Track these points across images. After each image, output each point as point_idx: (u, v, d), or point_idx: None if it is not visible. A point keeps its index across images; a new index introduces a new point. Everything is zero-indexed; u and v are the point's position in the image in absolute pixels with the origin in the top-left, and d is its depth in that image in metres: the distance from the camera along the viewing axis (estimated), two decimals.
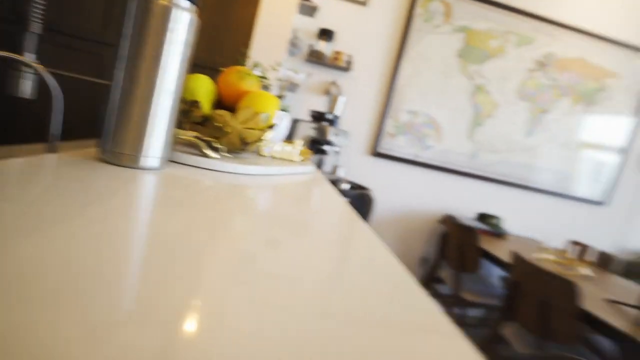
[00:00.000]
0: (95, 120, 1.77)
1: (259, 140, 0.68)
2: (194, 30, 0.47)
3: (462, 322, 2.72)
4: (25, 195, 0.29)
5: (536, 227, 2.94)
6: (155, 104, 0.45)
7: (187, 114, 0.64)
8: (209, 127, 0.63)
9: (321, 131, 2.00)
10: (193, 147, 0.62)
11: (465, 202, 2.78)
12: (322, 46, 2.37)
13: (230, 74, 0.67)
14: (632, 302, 1.60)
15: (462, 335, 0.24)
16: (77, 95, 1.74)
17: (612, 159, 2.90)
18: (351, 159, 2.55)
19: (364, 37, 2.45)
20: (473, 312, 2.86)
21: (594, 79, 2.70)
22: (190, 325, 0.18)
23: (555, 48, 2.61)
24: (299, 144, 0.83)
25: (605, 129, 2.84)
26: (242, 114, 0.62)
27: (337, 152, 2.20)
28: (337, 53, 2.37)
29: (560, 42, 2.61)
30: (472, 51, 2.51)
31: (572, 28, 2.60)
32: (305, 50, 2.38)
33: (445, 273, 2.38)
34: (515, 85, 2.61)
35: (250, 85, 0.67)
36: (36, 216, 0.25)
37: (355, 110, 2.51)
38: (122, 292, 0.19)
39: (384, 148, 2.54)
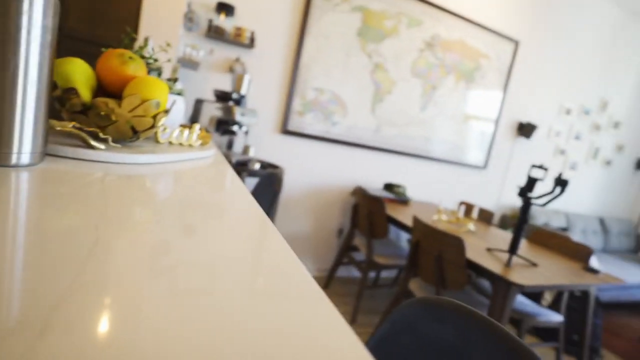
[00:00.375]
0: None
1: (152, 127, 0.65)
2: (54, 12, 0.43)
3: (376, 284, 2.99)
4: None
5: (434, 193, 3.31)
6: (14, 95, 0.41)
7: (63, 102, 0.58)
8: (91, 116, 0.59)
9: (227, 111, 1.95)
10: (74, 138, 0.57)
11: (373, 173, 2.99)
12: (223, 21, 2.27)
13: (111, 58, 0.62)
14: (504, 248, 1.93)
15: (326, 298, 0.28)
16: None
17: (489, 129, 3.37)
18: (261, 138, 2.54)
19: (266, 12, 2.40)
20: (386, 274, 3.15)
21: (471, 59, 3.07)
22: (103, 326, 0.16)
23: (440, 30, 2.88)
24: (196, 128, 0.81)
25: (482, 102, 3.27)
26: (129, 102, 0.58)
27: (246, 132, 2.17)
28: (239, 29, 2.29)
29: (443, 25, 2.89)
30: (370, 30, 2.64)
31: (453, 13, 2.89)
32: (204, 25, 2.26)
33: (359, 241, 2.57)
34: (408, 63, 2.83)
35: (134, 69, 0.63)
36: None
37: (261, 89, 2.48)
38: (13, 298, 0.17)
39: (293, 126, 2.58)
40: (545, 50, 3.49)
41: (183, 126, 0.83)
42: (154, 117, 0.64)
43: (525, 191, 1.66)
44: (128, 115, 0.60)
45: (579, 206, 4.27)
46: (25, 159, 0.44)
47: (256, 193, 1.31)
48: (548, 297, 2.37)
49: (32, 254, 0.23)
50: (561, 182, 1.60)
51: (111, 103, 0.60)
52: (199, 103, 2.02)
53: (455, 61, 3.00)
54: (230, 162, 1.91)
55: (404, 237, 3.10)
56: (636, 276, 3.40)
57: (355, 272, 3.04)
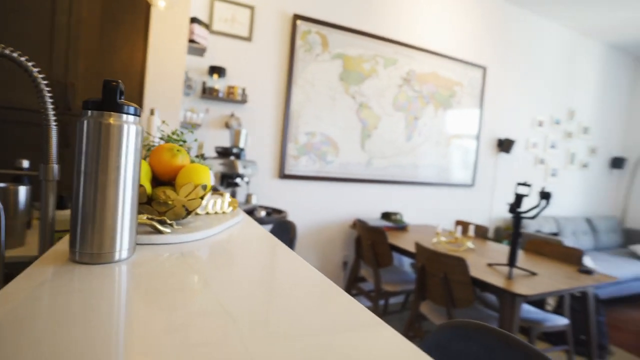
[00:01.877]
0: None
1: (199, 205, 0.77)
2: (142, 136, 0.56)
3: (387, 311, 3.04)
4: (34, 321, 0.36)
5: (429, 215, 3.45)
6: (117, 207, 0.52)
7: None
8: (154, 205, 0.71)
9: (230, 166, 2.08)
10: (148, 227, 0.69)
11: (370, 204, 3.13)
12: (216, 82, 2.45)
13: (163, 153, 0.75)
14: (504, 261, 2.05)
15: (385, 324, 0.33)
16: None
17: (471, 146, 3.59)
18: (261, 184, 2.66)
19: (254, 70, 2.60)
20: (395, 300, 3.22)
21: (446, 88, 3.32)
22: None
23: (414, 66, 3.14)
24: (227, 197, 0.93)
25: (462, 125, 3.50)
26: (185, 190, 0.71)
27: (247, 182, 2.30)
28: (231, 87, 2.47)
29: (416, 61, 3.15)
30: (350, 74, 2.87)
31: (422, 49, 3.17)
32: (199, 88, 2.43)
33: (365, 271, 2.65)
34: (390, 99, 3.05)
35: (182, 160, 0.76)
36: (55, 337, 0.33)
37: (257, 139, 2.64)
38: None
39: (289, 170, 2.72)
40: (511, 72, 3.79)
41: (214, 193, 0.95)
42: (202, 197, 0.76)
43: (514, 207, 1.81)
44: (184, 199, 0.72)
45: (566, 210, 4.46)
46: (124, 254, 0.55)
47: None
48: (552, 302, 2.47)
49: (133, 325, 0.36)
50: (545, 195, 1.76)
51: (167, 191, 0.72)
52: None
53: (432, 91, 3.24)
54: None
55: (406, 262, 3.20)
56: (629, 270, 3.54)
57: (365, 302, 3.10)
